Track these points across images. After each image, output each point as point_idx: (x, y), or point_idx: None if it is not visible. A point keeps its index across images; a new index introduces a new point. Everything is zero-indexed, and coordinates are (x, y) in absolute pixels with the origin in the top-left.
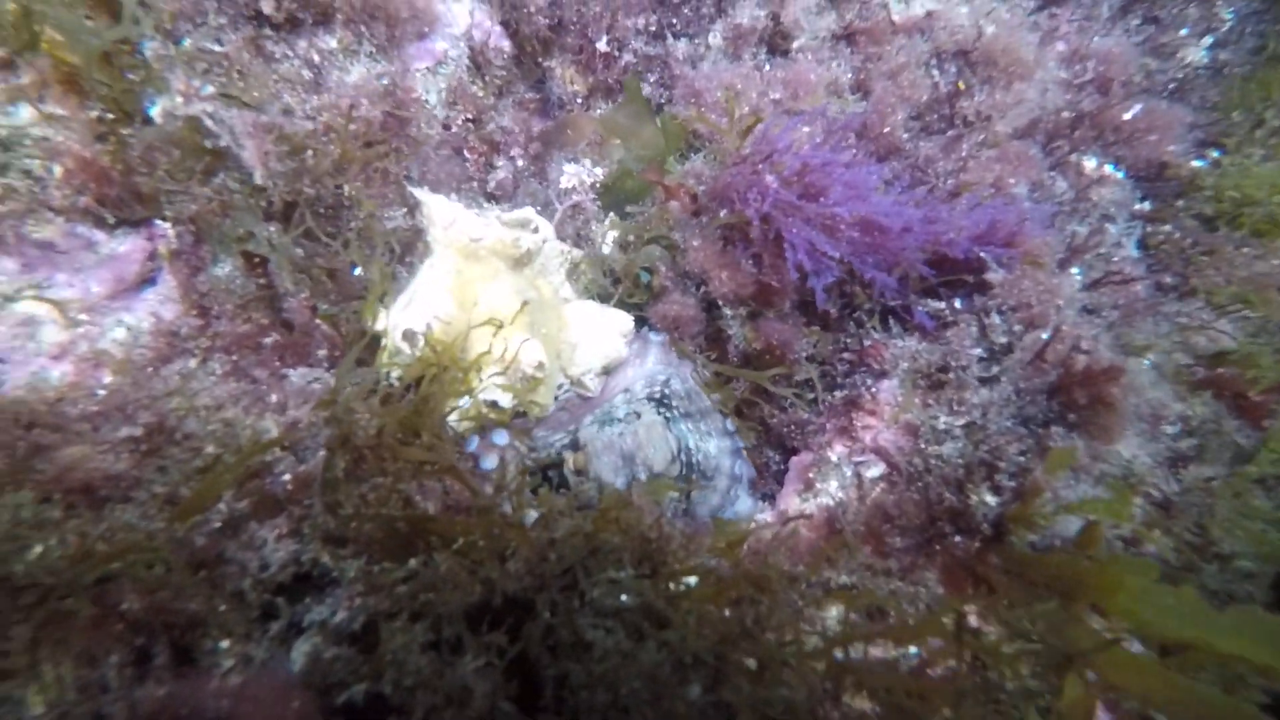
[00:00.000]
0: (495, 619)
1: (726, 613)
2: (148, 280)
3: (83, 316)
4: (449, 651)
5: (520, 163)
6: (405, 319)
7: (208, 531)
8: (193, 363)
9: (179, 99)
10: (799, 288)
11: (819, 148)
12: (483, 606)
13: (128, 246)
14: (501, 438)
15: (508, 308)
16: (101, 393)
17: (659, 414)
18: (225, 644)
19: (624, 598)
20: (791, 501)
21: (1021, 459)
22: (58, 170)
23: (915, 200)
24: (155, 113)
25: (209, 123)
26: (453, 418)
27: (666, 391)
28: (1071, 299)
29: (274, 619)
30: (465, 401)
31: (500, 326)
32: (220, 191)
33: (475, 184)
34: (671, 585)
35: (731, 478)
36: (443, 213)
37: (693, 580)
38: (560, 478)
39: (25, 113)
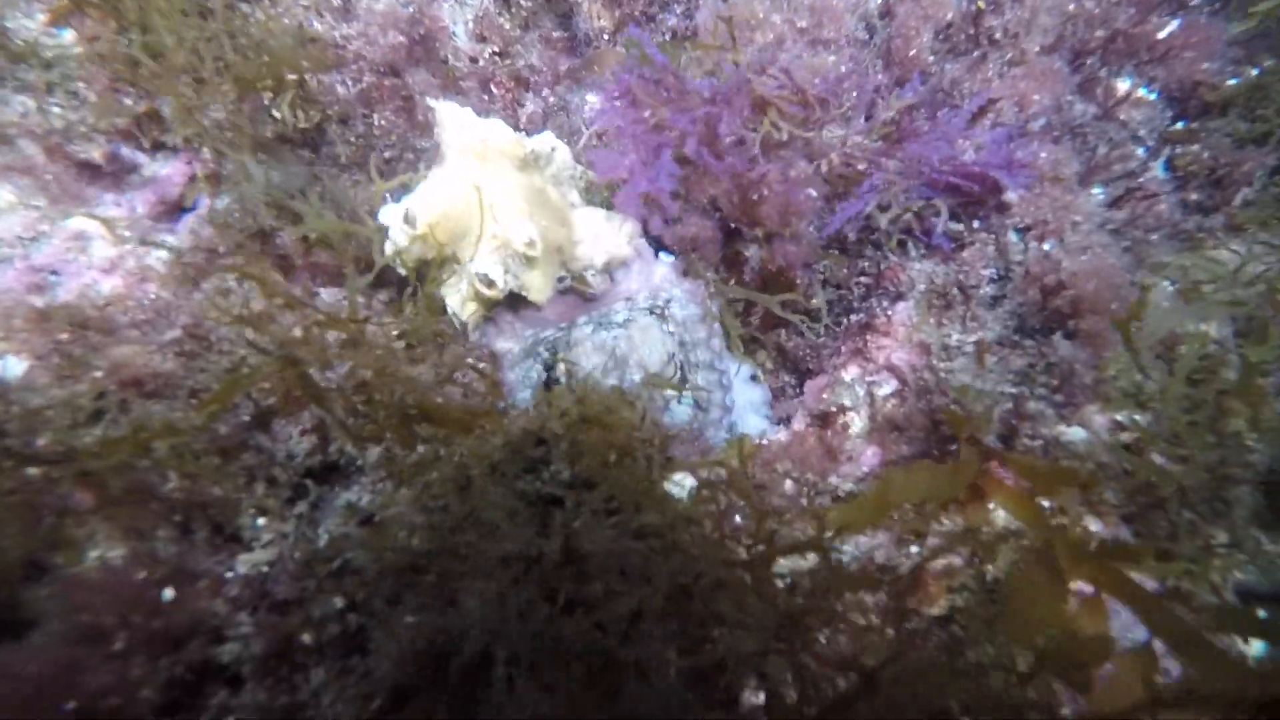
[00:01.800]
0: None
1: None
2: (189, 204)
3: (129, 234)
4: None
5: (550, 99)
6: (409, 205)
7: (235, 424)
8: (230, 279)
9: None
10: (815, 210)
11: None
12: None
13: (169, 170)
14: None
15: (509, 199)
16: (147, 302)
17: (656, 320)
18: (262, 521)
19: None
20: (804, 422)
21: (1029, 369)
22: (95, 89)
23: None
24: None
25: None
26: (455, 300)
27: (666, 312)
28: (1090, 215)
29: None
30: (464, 284)
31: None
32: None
33: (504, 118)
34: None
35: (723, 408)
36: (454, 117)
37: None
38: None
39: (68, 34)
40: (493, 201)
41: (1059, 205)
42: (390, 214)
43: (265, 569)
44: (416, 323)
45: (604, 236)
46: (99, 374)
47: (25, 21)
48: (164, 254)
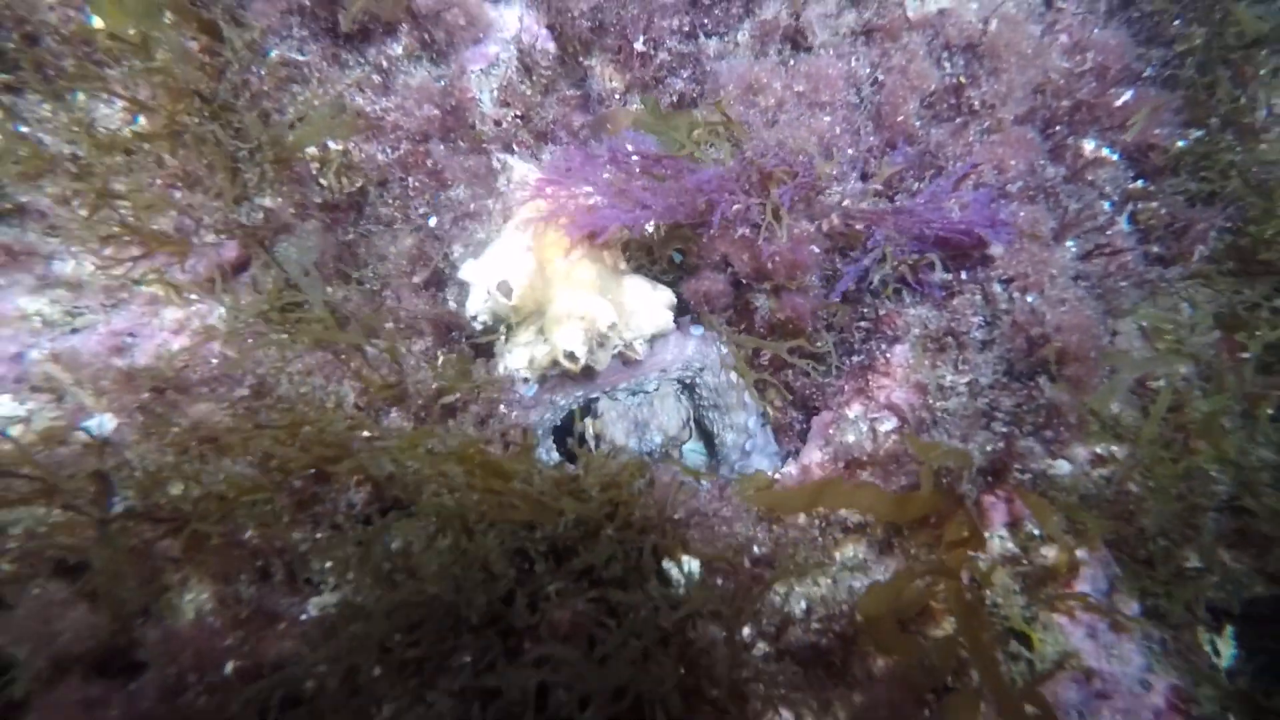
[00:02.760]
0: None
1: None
2: (244, 266)
3: (193, 296)
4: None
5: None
6: (495, 270)
7: (304, 477)
8: (284, 336)
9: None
10: (823, 263)
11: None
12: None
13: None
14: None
15: (583, 272)
16: (214, 361)
17: (676, 390)
18: (329, 564)
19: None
20: (814, 455)
21: (1015, 409)
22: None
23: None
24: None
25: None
26: (520, 359)
27: (698, 381)
28: (1064, 268)
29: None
30: (543, 349)
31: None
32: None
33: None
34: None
35: (742, 453)
36: (526, 177)
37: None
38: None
39: (143, 121)
40: (567, 273)
41: (1037, 260)
42: (473, 273)
43: (333, 610)
44: (451, 375)
45: (651, 306)
46: (176, 430)
47: (106, 109)
48: (223, 314)
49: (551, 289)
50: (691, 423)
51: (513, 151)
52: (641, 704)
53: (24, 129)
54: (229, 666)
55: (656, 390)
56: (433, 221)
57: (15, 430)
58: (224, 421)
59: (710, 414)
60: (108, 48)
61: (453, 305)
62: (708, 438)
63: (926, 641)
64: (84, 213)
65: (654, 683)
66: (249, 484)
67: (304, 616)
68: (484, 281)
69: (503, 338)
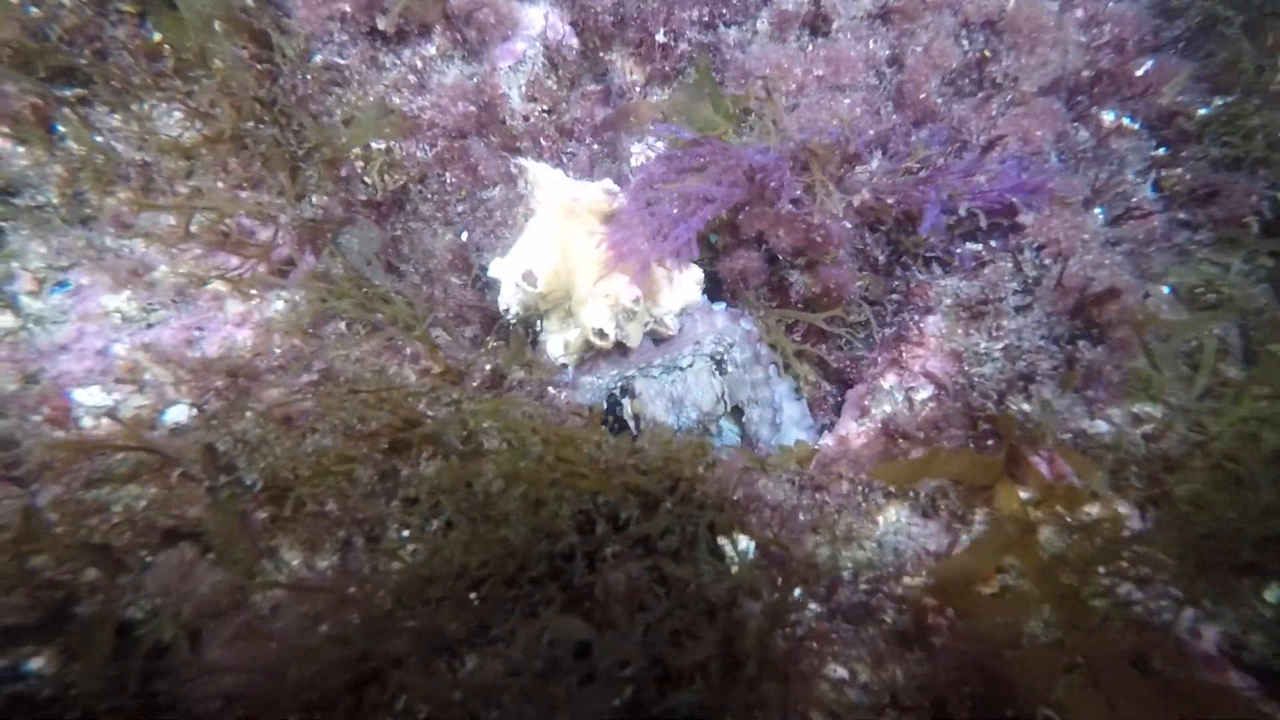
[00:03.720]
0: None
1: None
2: (292, 263)
3: (253, 292)
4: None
5: (596, 146)
6: (520, 264)
7: (382, 450)
8: (343, 325)
9: None
10: (855, 239)
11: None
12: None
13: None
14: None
15: (604, 254)
16: (277, 350)
17: (709, 365)
18: (406, 533)
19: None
20: (849, 427)
21: (1053, 372)
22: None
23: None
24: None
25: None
26: (556, 345)
27: (727, 356)
28: (1096, 233)
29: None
30: (574, 333)
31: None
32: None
33: (553, 167)
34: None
35: (773, 426)
36: (546, 176)
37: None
38: (620, 419)
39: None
40: (588, 259)
41: (1069, 225)
42: (502, 269)
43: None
44: (509, 356)
45: (679, 283)
46: (251, 413)
47: (167, 119)
48: (281, 307)
49: (576, 274)
50: (726, 398)
51: (539, 146)
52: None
53: (98, 138)
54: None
55: (690, 366)
56: (464, 236)
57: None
58: (298, 403)
59: (739, 390)
60: (174, 60)
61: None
62: (739, 413)
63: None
64: (170, 219)
65: (690, 656)
66: (337, 455)
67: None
68: (511, 275)
69: (539, 327)
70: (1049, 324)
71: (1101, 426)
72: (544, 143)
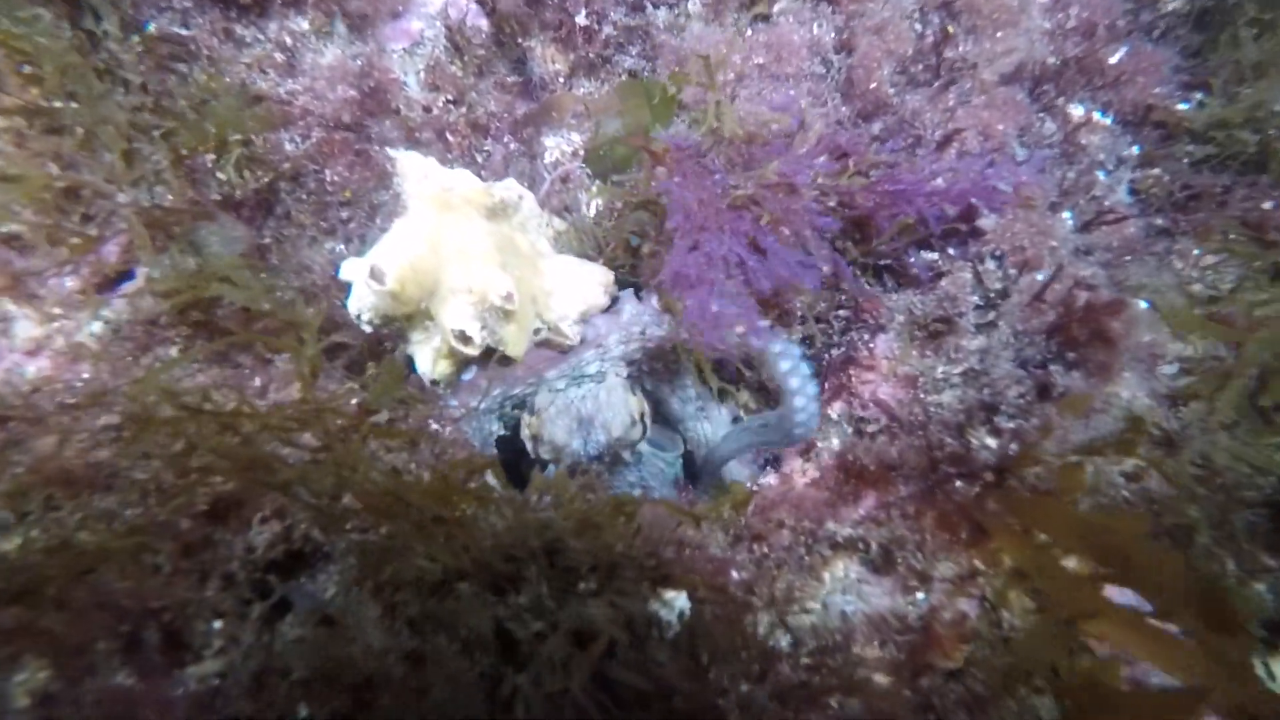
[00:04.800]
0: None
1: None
2: (126, 274)
3: (58, 311)
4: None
5: (512, 145)
6: (373, 259)
7: (193, 514)
8: (173, 351)
9: None
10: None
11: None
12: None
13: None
14: (470, 374)
15: (479, 248)
16: (79, 385)
17: (624, 374)
18: (218, 625)
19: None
20: (794, 463)
21: (1020, 401)
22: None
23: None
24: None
25: None
26: (425, 358)
27: (645, 347)
28: (1065, 239)
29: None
30: (435, 340)
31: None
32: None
33: (462, 166)
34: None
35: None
36: (415, 166)
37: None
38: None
39: None
40: (463, 252)
41: (1035, 230)
42: (353, 269)
43: (216, 681)
44: (378, 389)
45: (579, 285)
46: (19, 470)
47: None
48: (97, 330)
49: (445, 270)
50: (645, 417)
51: (446, 142)
52: None
53: None
54: None
55: (599, 375)
56: (341, 248)
57: None
58: (86, 453)
59: (658, 385)
60: None
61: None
62: (665, 421)
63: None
64: None
65: None
66: (124, 528)
67: (179, 691)
68: (361, 275)
69: (407, 342)
70: (1017, 345)
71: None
72: (451, 138)
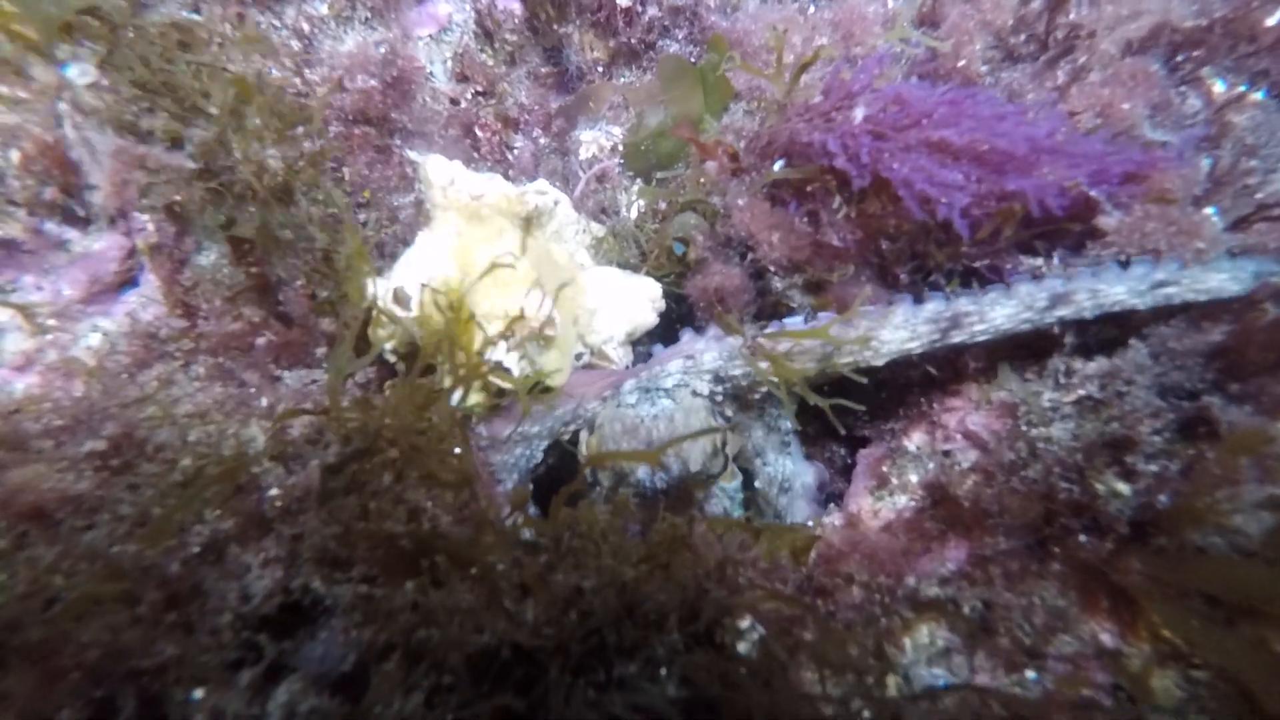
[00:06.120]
0: (504, 669)
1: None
2: (128, 281)
3: (52, 322)
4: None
5: (542, 140)
6: (398, 283)
7: (184, 558)
8: (174, 367)
9: None
10: (864, 247)
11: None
12: (491, 653)
13: (104, 244)
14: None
15: (511, 269)
16: (68, 404)
17: (706, 392)
18: (200, 694)
19: (663, 672)
20: (864, 501)
21: (1158, 438)
22: (15, 156)
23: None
24: None
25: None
26: (459, 394)
27: (727, 386)
28: (1215, 240)
29: (256, 661)
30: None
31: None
32: (207, 173)
33: (490, 164)
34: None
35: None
36: (441, 172)
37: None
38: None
39: None
40: (496, 271)
41: (1174, 230)
42: (376, 289)
43: None
44: (397, 416)
45: (623, 300)
46: None
47: None
48: (94, 343)
49: (476, 293)
50: (728, 447)
51: (474, 138)
52: None
53: None
54: None
55: (676, 392)
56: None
57: None
58: (63, 485)
59: (741, 409)
60: None
61: None
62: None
63: None
64: None
65: None
66: (104, 570)
67: None
68: (384, 299)
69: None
70: (1157, 369)
71: (1249, 525)
72: (480, 133)
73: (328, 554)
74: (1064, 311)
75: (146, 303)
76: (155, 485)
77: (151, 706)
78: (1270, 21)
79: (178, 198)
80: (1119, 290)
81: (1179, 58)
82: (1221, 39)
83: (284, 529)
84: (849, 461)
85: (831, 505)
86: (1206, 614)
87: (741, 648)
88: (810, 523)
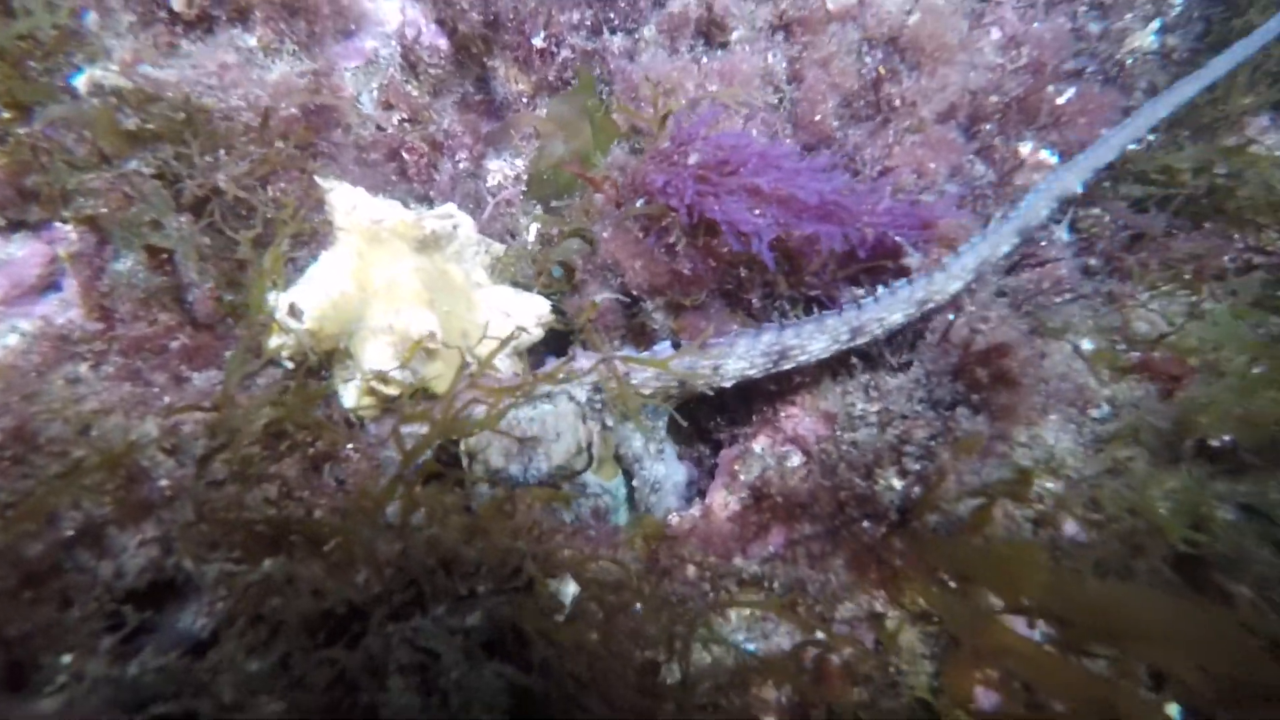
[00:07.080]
0: (340, 626)
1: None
2: (50, 286)
3: None
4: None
5: (463, 165)
6: (295, 296)
7: (52, 541)
8: (83, 367)
9: (112, 70)
10: (717, 275)
11: (738, 133)
12: (327, 613)
13: (25, 251)
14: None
15: (406, 284)
16: None
17: (583, 399)
18: (67, 659)
19: (470, 619)
20: (719, 495)
21: (930, 443)
22: None
23: (841, 186)
24: (80, 82)
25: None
26: (350, 395)
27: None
28: (986, 282)
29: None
30: (356, 379)
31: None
32: (128, 180)
33: (418, 184)
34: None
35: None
36: (344, 199)
37: (570, 589)
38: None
39: None
40: (390, 288)
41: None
42: (278, 303)
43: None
44: (286, 411)
45: (514, 317)
46: None
47: None
48: (12, 343)
49: (371, 307)
50: (593, 448)
51: (400, 160)
52: None
53: None
54: None
55: (557, 401)
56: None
57: None
58: None
59: (624, 442)
60: None
61: None
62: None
63: None
64: None
65: None
66: None
67: None
68: (280, 311)
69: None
70: (929, 385)
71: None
72: (408, 156)
73: (199, 536)
74: (862, 340)
75: (66, 306)
76: (36, 475)
77: (21, 670)
78: (1060, 100)
79: (99, 201)
80: (897, 316)
81: (980, 126)
82: (1017, 113)
83: (164, 514)
84: (715, 462)
85: (697, 500)
86: (943, 582)
87: (562, 601)
88: (676, 513)
